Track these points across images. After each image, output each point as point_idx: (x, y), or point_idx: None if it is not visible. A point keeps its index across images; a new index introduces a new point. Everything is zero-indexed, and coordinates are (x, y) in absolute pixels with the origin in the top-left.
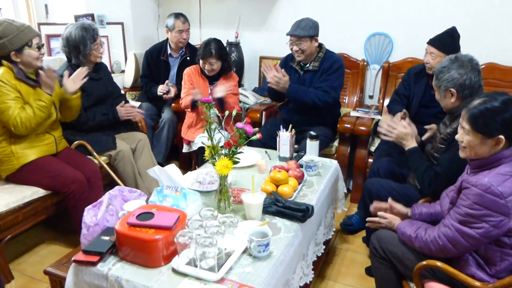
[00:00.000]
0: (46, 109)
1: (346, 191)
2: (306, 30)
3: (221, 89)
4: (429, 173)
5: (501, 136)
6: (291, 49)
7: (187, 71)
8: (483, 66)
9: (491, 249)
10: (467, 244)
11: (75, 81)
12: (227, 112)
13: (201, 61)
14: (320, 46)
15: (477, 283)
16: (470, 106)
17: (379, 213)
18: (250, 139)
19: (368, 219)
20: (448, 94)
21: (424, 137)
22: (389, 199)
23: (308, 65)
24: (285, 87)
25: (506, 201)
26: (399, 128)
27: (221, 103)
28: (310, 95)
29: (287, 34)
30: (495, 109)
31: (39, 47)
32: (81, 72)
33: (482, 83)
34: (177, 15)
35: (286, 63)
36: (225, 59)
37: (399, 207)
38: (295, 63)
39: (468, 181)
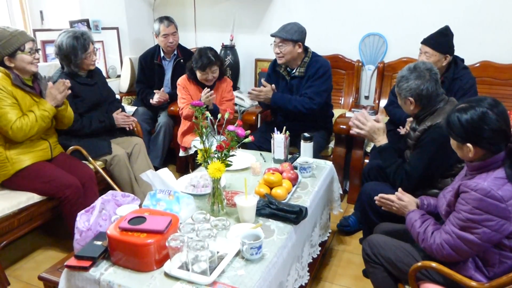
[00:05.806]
0: (48, 119)
1: (341, 192)
2: (290, 34)
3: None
4: (401, 172)
5: (469, 145)
6: (274, 51)
7: (180, 82)
8: (477, 65)
9: (490, 251)
10: (470, 250)
11: (54, 96)
12: (219, 115)
13: (200, 72)
14: (306, 51)
15: (473, 283)
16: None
17: (397, 194)
18: (242, 141)
19: (380, 195)
20: (407, 102)
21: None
22: (399, 189)
23: (294, 70)
24: (268, 97)
25: (507, 204)
26: (372, 122)
27: (216, 112)
28: (293, 103)
29: (271, 35)
30: (460, 109)
31: (33, 52)
32: (60, 86)
33: (440, 91)
34: (161, 19)
35: (274, 67)
36: (221, 63)
37: (408, 198)
38: (282, 68)
39: (466, 185)
